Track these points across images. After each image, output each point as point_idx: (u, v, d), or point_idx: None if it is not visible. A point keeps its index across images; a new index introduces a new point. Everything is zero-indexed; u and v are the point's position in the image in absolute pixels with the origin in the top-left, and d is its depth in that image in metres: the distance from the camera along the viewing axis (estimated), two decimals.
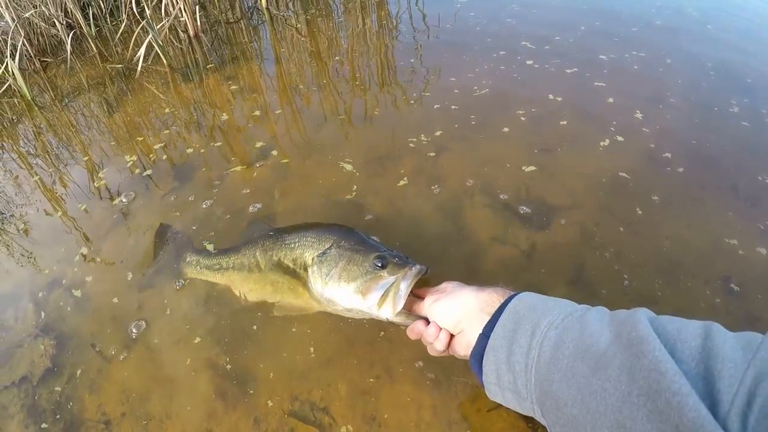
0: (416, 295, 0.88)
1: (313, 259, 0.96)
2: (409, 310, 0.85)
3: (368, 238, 1.00)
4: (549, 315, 0.62)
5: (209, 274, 1.20)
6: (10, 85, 2.44)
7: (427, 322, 0.81)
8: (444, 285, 0.83)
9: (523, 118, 1.54)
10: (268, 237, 1.10)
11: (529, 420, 0.85)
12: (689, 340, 0.46)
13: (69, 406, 1.10)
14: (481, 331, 0.68)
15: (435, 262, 1.12)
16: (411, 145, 1.50)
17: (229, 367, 1.05)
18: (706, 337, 0.46)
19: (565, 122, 1.51)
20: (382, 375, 0.98)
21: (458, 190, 1.31)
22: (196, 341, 1.10)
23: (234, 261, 1.15)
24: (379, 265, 0.87)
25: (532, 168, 1.34)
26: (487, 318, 0.69)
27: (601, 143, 1.41)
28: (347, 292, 0.89)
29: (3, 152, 2.09)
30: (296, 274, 1.00)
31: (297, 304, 1.01)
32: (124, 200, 1.59)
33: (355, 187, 1.39)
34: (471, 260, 1.13)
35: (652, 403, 0.43)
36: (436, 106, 1.67)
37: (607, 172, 1.31)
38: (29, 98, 2.35)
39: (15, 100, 2.43)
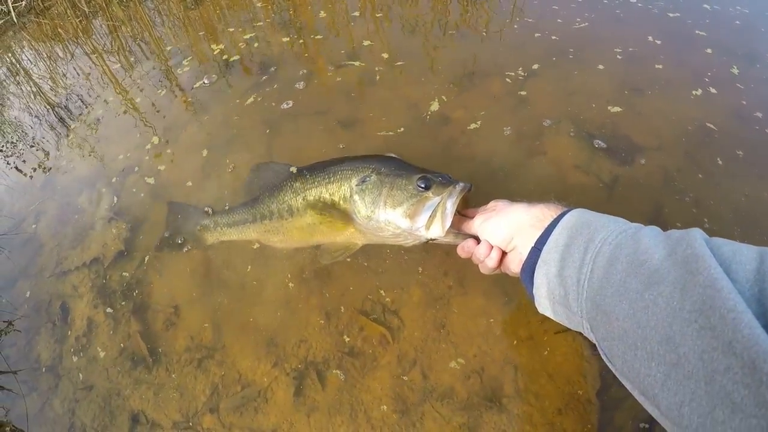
0: (464, 215, 0.87)
1: (353, 188, 0.92)
2: (457, 229, 0.84)
3: (405, 162, 0.96)
4: (603, 231, 0.60)
5: (232, 233, 1.13)
6: None
7: (478, 240, 0.80)
8: (492, 203, 0.82)
9: (619, 57, 1.49)
10: (295, 178, 1.03)
11: (593, 347, 0.87)
12: (745, 263, 0.45)
13: (139, 289, 1.15)
14: (533, 245, 0.68)
15: (512, 181, 1.14)
16: (507, 80, 1.46)
17: (305, 265, 1.09)
18: (762, 261, 0.45)
19: (660, 66, 1.46)
20: (455, 285, 1.01)
21: (546, 116, 1.30)
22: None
23: (259, 211, 1.07)
24: (423, 186, 0.85)
25: (617, 108, 1.31)
26: (539, 233, 0.68)
27: (693, 92, 1.37)
28: (395, 217, 0.86)
29: (84, 45, 2.06)
30: (335, 210, 0.96)
31: (339, 241, 0.98)
32: (206, 82, 1.60)
33: (442, 98, 1.39)
34: (550, 183, 1.14)
35: (704, 319, 0.42)
36: (537, 35, 1.62)
37: (694, 121, 1.28)
38: None
39: None
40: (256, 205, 1.09)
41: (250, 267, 1.12)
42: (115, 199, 1.36)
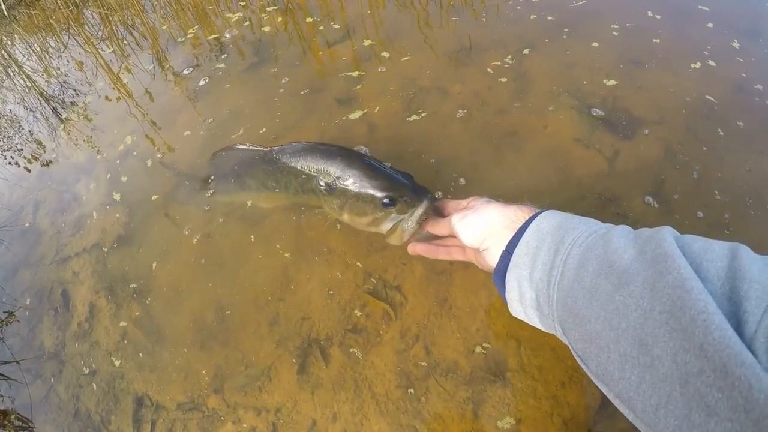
0: (441, 211, 0.88)
1: (321, 189, 0.96)
2: (427, 229, 0.86)
3: (375, 163, 0.95)
4: (573, 233, 0.59)
5: (227, 197, 1.22)
6: None
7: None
8: (472, 202, 0.81)
9: (615, 33, 1.47)
10: (266, 160, 1.05)
11: None
12: (715, 260, 0.44)
13: (139, 272, 1.15)
14: (504, 248, 0.67)
15: (511, 154, 1.13)
16: (504, 56, 1.44)
17: (305, 242, 1.09)
18: (733, 258, 0.44)
19: (658, 40, 1.44)
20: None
21: (543, 91, 1.29)
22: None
23: (240, 185, 1.15)
24: (388, 203, 0.86)
25: (616, 82, 1.30)
26: (512, 235, 0.67)
27: (692, 65, 1.35)
28: (359, 223, 0.93)
29: (76, 36, 2.04)
30: (306, 196, 1.01)
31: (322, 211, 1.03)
32: (199, 62, 1.60)
33: (441, 74, 1.38)
34: (551, 158, 1.14)
35: (675, 321, 0.41)
36: (532, 17, 1.59)
37: (692, 93, 1.27)
38: None
39: None
40: (237, 180, 1.15)
41: (249, 249, 1.12)
42: (113, 184, 1.36)
